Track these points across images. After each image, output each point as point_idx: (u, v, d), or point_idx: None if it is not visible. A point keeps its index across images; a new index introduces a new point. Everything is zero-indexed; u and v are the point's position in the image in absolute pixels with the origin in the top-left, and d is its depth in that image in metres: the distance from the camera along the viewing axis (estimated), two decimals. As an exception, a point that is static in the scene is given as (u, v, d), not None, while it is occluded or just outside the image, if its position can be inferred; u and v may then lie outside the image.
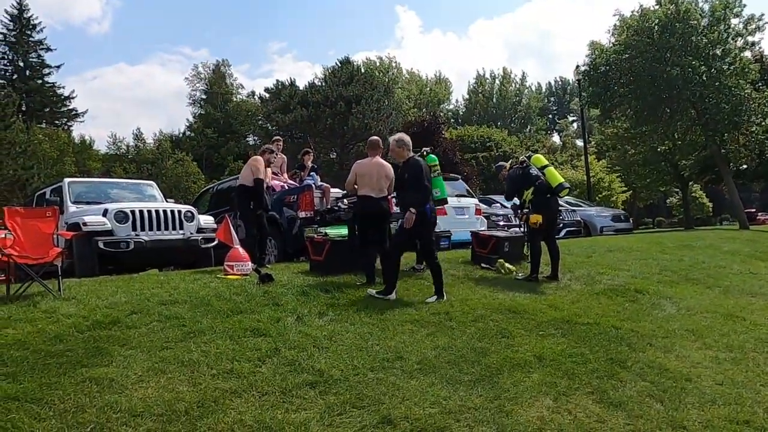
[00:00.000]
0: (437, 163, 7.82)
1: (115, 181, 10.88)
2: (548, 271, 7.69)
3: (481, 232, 8.61)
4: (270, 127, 39.15)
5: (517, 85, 75.82)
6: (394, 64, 70.05)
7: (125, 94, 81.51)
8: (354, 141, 32.02)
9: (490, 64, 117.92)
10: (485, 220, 12.50)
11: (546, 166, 7.68)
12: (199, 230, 8.87)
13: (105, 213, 8.05)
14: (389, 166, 7.21)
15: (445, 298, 6.00)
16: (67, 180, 9.43)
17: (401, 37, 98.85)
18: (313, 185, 9.42)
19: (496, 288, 6.81)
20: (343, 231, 7.30)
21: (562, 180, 7.66)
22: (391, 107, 36.05)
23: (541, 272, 7.61)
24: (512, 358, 4.42)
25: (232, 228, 6.90)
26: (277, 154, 10.07)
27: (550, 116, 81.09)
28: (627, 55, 20.98)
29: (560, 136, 75.99)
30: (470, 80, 76.11)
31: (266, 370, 3.83)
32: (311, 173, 10.49)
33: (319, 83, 33.87)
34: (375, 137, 7.30)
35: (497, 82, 74.88)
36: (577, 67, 23.93)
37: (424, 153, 7.85)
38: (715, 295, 7.36)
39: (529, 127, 72.11)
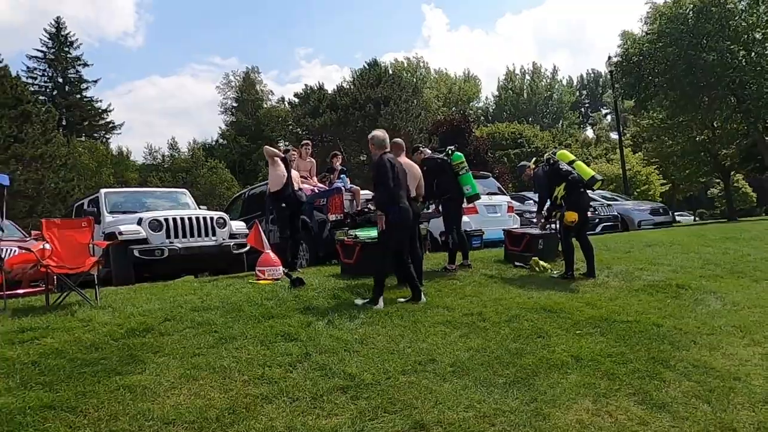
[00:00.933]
0: (463, 160, 7.71)
1: (149, 190, 11.13)
2: (584, 268, 7.48)
3: (514, 230, 8.46)
4: (300, 132, 39.49)
5: (548, 80, 74.74)
6: (422, 64, 69.96)
7: (158, 106, 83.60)
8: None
9: (519, 59, 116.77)
10: (518, 217, 12.30)
11: (573, 161, 7.47)
12: (231, 236, 8.95)
13: (140, 222, 8.19)
14: (416, 166, 7.14)
15: (380, 305, 5.47)
16: (103, 191, 9.65)
17: (428, 36, 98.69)
18: (342, 188, 9.40)
19: (530, 287, 6.66)
20: (373, 233, 7.24)
21: (593, 173, 7.44)
22: (420, 107, 35.93)
23: (577, 269, 7.42)
24: (549, 359, 4.28)
25: (262, 233, 6.93)
26: (306, 157, 10.13)
27: (583, 110, 79.63)
28: (661, 44, 20.46)
29: (593, 130, 74.62)
30: (500, 77, 75.23)
31: (297, 375, 3.80)
32: (341, 176, 10.48)
33: (347, 86, 33.99)
34: (397, 138, 7.26)
35: (527, 77, 73.95)
36: (609, 58, 23.44)
37: (449, 151, 7.76)
38: (763, 288, 7.04)
39: (561, 122, 70.96)
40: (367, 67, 38.65)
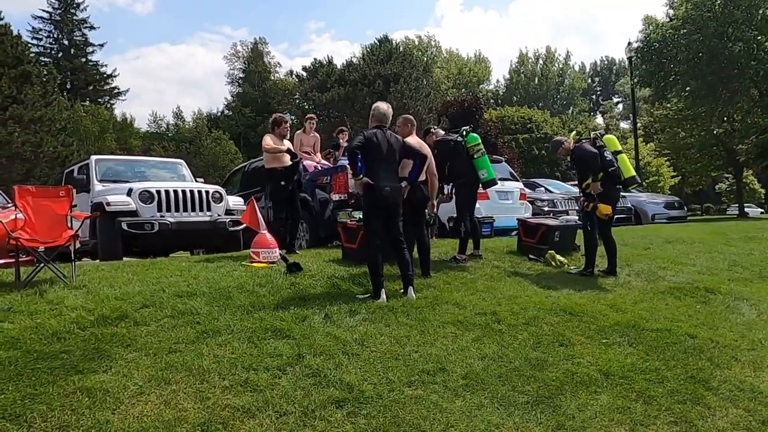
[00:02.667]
0: (479, 142, 7.12)
1: (143, 159, 10.53)
2: (603, 265, 6.94)
3: (528, 220, 7.88)
4: (306, 106, 38.72)
5: (561, 65, 73.42)
6: (433, 43, 68.71)
7: (167, 74, 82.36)
8: (391, 121, 31.33)
9: (530, 43, 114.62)
10: (530, 205, 11.72)
11: (620, 152, 6.84)
12: (228, 212, 8.41)
13: (129, 192, 7.64)
14: (426, 146, 6.56)
15: (382, 299, 4.89)
16: (94, 157, 9.08)
17: (441, 16, 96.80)
18: (347, 166, 8.82)
19: (547, 284, 6.12)
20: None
21: (634, 172, 6.85)
22: (430, 87, 35.09)
23: (596, 266, 6.87)
24: (574, 373, 3.76)
25: (258, 210, 6.37)
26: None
27: (594, 97, 78.40)
28: (685, 31, 19.60)
29: (604, 118, 73.57)
30: (512, 60, 73.93)
31: (286, 383, 3.28)
32: (346, 153, 9.88)
33: (357, 62, 33.14)
34: (408, 115, 6.67)
35: (540, 61, 72.65)
36: (629, 44, 22.52)
37: (464, 132, 7.17)
38: (798, 296, 6.49)
39: (571, 108, 69.90)
40: (378, 43, 37.73)
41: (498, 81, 73.60)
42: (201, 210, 8.05)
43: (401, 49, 35.82)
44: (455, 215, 9.72)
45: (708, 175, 39.47)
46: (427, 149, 6.23)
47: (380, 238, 5.12)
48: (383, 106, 5.48)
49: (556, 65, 73.29)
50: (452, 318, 4.61)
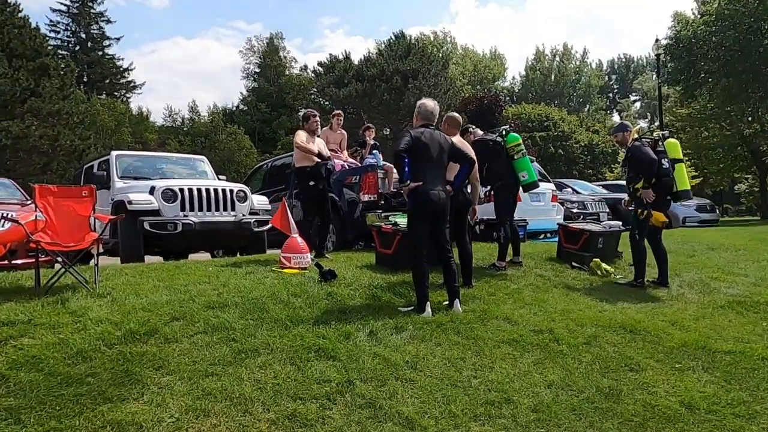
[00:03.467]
0: (520, 142, 6.70)
1: (164, 155, 10.19)
2: (651, 275, 6.52)
3: (570, 225, 7.45)
4: (323, 102, 38.35)
5: (578, 62, 72.51)
6: (449, 39, 68.09)
7: (182, 68, 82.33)
8: (409, 117, 30.80)
9: (546, 39, 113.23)
10: (561, 207, 11.29)
11: (679, 161, 6.39)
12: (252, 212, 8.07)
13: (152, 191, 7.32)
14: (470, 147, 6.16)
15: (427, 313, 4.51)
16: (114, 153, 8.76)
17: (456, 12, 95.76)
18: (377, 166, 8.45)
19: (598, 296, 5.71)
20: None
21: (689, 185, 6.42)
22: (448, 83, 34.59)
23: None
24: (654, 406, 3.36)
25: (289, 212, 6.00)
26: (318, 128, 9.14)
27: (611, 95, 77.36)
28: (716, 27, 18.95)
29: (621, 117, 72.64)
30: (528, 56, 73.23)
31: (338, 416, 2.92)
32: (373, 151, 9.50)
33: (375, 57, 32.69)
34: (453, 113, 6.25)
35: (557, 58, 71.79)
36: (657, 40, 21.84)
37: (503, 132, 6.76)
38: None
39: (587, 106, 69.03)
40: (394, 39, 37.23)
41: (514, 78, 72.82)
42: (225, 210, 7.71)
43: (419, 44, 35.32)
44: (485, 218, 9.37)
45: (730, 175, 38.66)
46: (471, 150, 5.84)
47: (426, 246, 4.73)
48: (430, 104, 5.08)
49: (573, 62, 72.40)
50: (507, 336, 4.22)
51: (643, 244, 6.40)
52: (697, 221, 15.53)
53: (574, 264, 6.95)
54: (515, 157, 6.60)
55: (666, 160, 6.32)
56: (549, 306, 5.18)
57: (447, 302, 4.90)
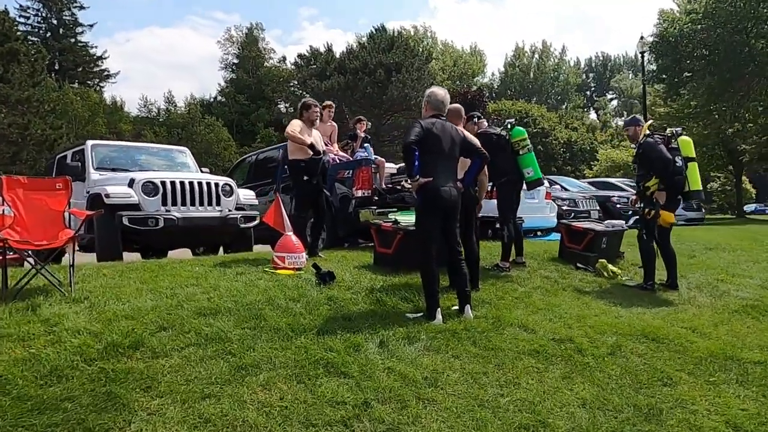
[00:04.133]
0: (525, 137, 6.37)
1: (144, 145, 9.61)
2: (659, 277, 6.26)
3: (573, 225, 7.15)
4: (304, 94, 37.74)
5: (556, 60, 72.96)
6: (429, 34, 67.78)
7: (157, 57, 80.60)
8: (391, 112, 30.47)
9: (525, 36, 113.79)
10: (555, 205, 11.04)
11: (692, 159, 6.12)
12: (238, 207, 7.61)
13: (131, 184, 6.81)
14: (476, 139, 5.80)
15: (438, 320, 4.17)
16: (89, 142, 8.20)
17: (435, 7, 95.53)
18: (372, 160, 8.07)
19: (610, 300, 5.42)
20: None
21: (701, 186, 6.15)
22: (431, 77, 34.27)
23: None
24: (699, 427, 3.06)
25: (283, 209, 5.57)
26: (318, 119, 8.72)
27: (588, 93, 78.09)
28: (702, 25, 18.93)
29: (598, 115, 73.45)
30: (508, 53, 73.48)
31: (358, 446, 2.54)
32: (364, 144, 9.11)
33: (357, 49, 32.18)
34: (455, 104, 5.87)
35: (536, 55, 72.16)
36: (642, 38, 21.79)
37: (509, 125, 6.43)
38: None
39: (566, 103, 69.59)
40: (375, 31, 36.72)
41: (493, 74, 72.96)
42: (210, 204, 7.24)
43: (403, 38, 34.93)
44: (481, 215, 9.06)
45: (707, 174, 39.16)
46: (477, 142, 5.48)
47: (436, 247, 4.37)
48: (440, 92, 4.69)
49: (552, 60, 72.88)
50: (527, 346, 3.88)
51: (651, 245, 6.14)
52: (684, 219, 15.49)
53: (578, 265, 6.67)
54: (520, 153, 6.27)
55: (679, 158, 6.06)
56: (562, 311, 4.86)
57: (456, 307, 4.56)
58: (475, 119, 6.48)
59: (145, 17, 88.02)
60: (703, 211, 16.02)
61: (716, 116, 22.45)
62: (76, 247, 4.57)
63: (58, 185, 4.60)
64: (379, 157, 9.19)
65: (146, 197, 6.79)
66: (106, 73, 46.59)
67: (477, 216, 5.56)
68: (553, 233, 10.72)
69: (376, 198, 7.69)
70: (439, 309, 4.26)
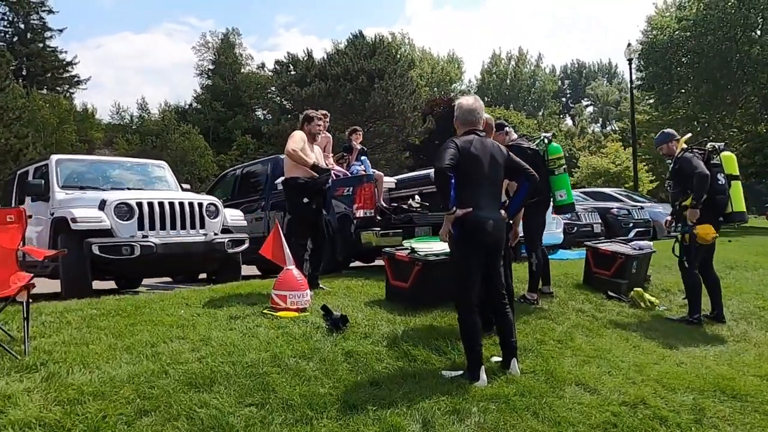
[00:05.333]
0: (562, 155, 5.68)
1: (117, 160, 8.65)
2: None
3: (601, 247, 6.45)
4: (281, 101, 36.74)
5: (533, 67, 73.32)
6: (407, 41, 67.42)
7: (130, 64, 78.62)
8: (373, 119, 29.71)
9: (501, 44, 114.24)
10: (561, 221, 10.39)
11: (735, 177, 5.49)
12: (224, 229, 6.77)
13: (102, 205, 5.93)
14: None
15: (482, 380, 3.44)
16: (54, 157, 7.26)
17: (411, 15, 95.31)
18: (373, 174, 7.31)
19: (659, 340, 4.75)
20: (437, 245, 5.17)
21: (744, 207, 5.54)
22: (415, 84, 33.65)
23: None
24: None
25: (283, 239, 4.75)
26: (320, 133, 7.94)
27: (564, 100, 78.68)
28: (689, 33, 18.62)
29: (574, 122, 74.06)
30: (484, 60, 73.71)
31: None
32: (361, 157, 8.34)
33: (338, 55, 31.37)
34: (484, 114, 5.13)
35: (512, 62, 72.41)
36: (629, 45, 21.44)
37: (545, 140, 5.73)
38: None
39: (542, 110, 69.94)
40: (354, 38, 35.96)
41: (470, 81, 72.95)
42: (193, 227, 6.39)
43: (384, 43, 34.26)
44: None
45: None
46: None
47: (477, 292, 3.62)
48: (467, 101, 3.90)
49: (528, 67, 73.20)
50: (598, 416, 3.15)
51: (695, 273, 5.49)
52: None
53: (610, 294, 5.98)
54: (555, 172, 5.57)
55: (722, 175, 5.44)
56: (615, 358, 4.16)
57: (497, 359, 3.81)
58: (506, 129, 5.77)
59: (117, 22, 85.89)
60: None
61: (705, 124, 22.21)
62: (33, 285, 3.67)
63: (10, 217, 3.74)
64: (377, 171, 8.46)
65: (120, 221, 5.92)
66: (76, 79, 44.89)
67: (512, 245, 4.84)
68: (560, 250, 10.10)
69: (380, 218, 6.93)
70: (483, 367, 3.50)
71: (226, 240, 6.48)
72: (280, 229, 4.71)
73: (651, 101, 23.92)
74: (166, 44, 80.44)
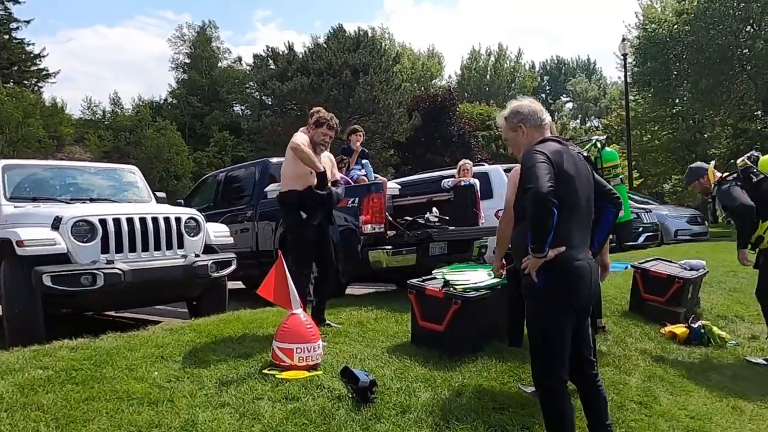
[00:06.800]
0: (618, 162, 4.72)
1: (79, 165, 7.35)
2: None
3: (652, 270, 5.50)
4: (261, 97, 35.37)
5: (512, 63, 72.85)
6: (387, 36, 66.36)
7: (103, 57, 75.89)
8: (358, 115, 28.52)
9: (481, 39, 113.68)
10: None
11: None
12: (207, 248, 5.71)
13: (57, 224, 4.82)
14: None
15: None
16: (1, 163, 6.09)
17: (390, 10, 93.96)
18: (383, 182, 6.30)
19: (752, 395, 3.85)
20: (474, 275, 4.18)
21: None
22: (400, 79, 32.62)
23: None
24: None
25: (288, 275, 3.69)
26: (328, 144, 6.87)
27: (543, 96, 78.59)
28: (694, 27, 17.91)
29: (554, 118, 73.94)
30: (464, 56, 73.15)
31: None
32: (363, 161, 7.32)
33: (321, 49, 30.13)
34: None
35: (492, 58, 71.87)
36: (624, 40, 20.64)
37: (597, 144, 4.75)
38: None
39: (521, 107, 69.68)
40: (334, 31, 34.71)
41: (450, 77, 72.22)
42: (170, 248, 5.32)
43: (369, 37, 33.08)
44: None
45: (671, 178, 38.94)
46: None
47: (564, 362, 2.63)
48: (529, 101, 2.90)
49: (508, 63, 72.71)
50: None
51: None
52: (689, 234, 14.29)
53: (665, 324, 5.07)
54: (610, 183, 4.61)
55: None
56: (715, 427, 3.24)
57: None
58: None
59: (89, 15, 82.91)
60: (706, 224, 14.88)
61: (699, 121, 21.62)
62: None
63: None
64: (380, 176, 7.48)
65: (78, 243, 4.83)
66: (44, 72, 42.86)
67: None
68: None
69: (389, 236, 5.92)
70: None
71: (210, 262, 5.41)
72: (284, 262, 3.64)
73: (638, 98, 23.18)
74: (140, 38, 77.86)
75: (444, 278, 4.10)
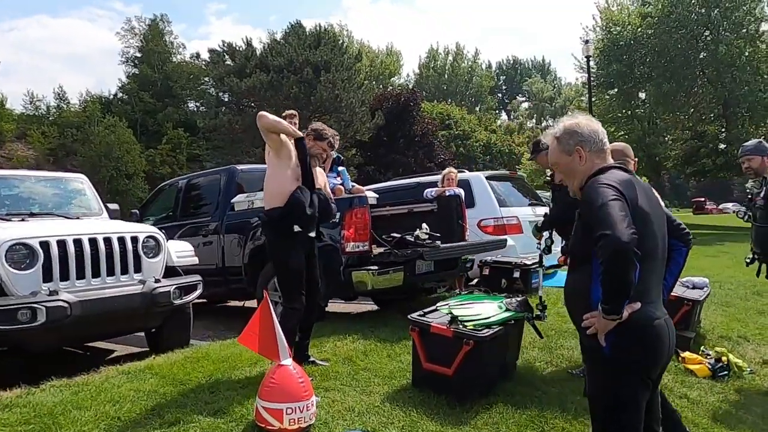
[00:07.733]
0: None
1: (17, 174, 6.45)
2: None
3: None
4: (217, 93, 34.14)
5: (470, 62, 73.37)
6: (345, 33, 65.67)
7: (47, 49, 72.40)
8: (319, 113, 27.76)
9: (438, 38, 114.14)
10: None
11: None
12: (169, 270, 5.03)
13: (-13, 248, 4.08)
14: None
15: None
16: None
17: (348, 7, 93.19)
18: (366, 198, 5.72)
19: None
20: (484, 308, 3.66)
21: None
22: (362, 77, 32.01)
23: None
24: None
25: (275, 320, 3.07)
26: (324, 160, 6.21)
27: (500, 95, 79.63)
28: (651, 31, 18.02)
29: (510, 117, 75.11)
30: (421, 54, 73.38)
31: None
32: (339, 168, 6.74)
33: (280, 45, 29.21)
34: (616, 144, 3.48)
35: (450, 57, 72.23)
36: (587, 42, 20.64)
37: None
38: None
39: (479, 105, 70.33)
40: (292, 27, 33.80)
41: (408, 75, 72.27)
42: (125, 272, 4.63)
43: (330, 34, 32.32)
44: (490, 259, 7.11)
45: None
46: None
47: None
48: (587, 119, 2.30)
49: (465, 62, 73.18)
50: None
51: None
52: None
53: (678, 352, 4.70)
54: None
55: None
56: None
57: None
58: (542, 145, 4.31)
59: (31, 4, 78.98)
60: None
61: (648, 123, 21.88)
62: None
63: None
64: (356, 185, 6.93)
65: (15, 271, 4.10)
66: (-18, 64, 40.42)
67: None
68: (558, 271, 8.89)
69: (374, 254, 5.36)
70: None
71: (172, 287, 4.74)
72: (270, 305, 3.03)
73: (595, 100, 23.35)
74: (87, 29, 74.70)
75: (451, 313, 3.57)
